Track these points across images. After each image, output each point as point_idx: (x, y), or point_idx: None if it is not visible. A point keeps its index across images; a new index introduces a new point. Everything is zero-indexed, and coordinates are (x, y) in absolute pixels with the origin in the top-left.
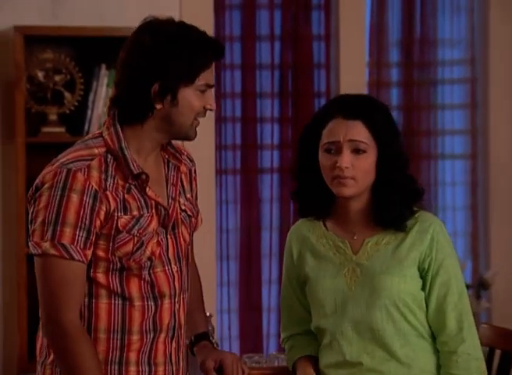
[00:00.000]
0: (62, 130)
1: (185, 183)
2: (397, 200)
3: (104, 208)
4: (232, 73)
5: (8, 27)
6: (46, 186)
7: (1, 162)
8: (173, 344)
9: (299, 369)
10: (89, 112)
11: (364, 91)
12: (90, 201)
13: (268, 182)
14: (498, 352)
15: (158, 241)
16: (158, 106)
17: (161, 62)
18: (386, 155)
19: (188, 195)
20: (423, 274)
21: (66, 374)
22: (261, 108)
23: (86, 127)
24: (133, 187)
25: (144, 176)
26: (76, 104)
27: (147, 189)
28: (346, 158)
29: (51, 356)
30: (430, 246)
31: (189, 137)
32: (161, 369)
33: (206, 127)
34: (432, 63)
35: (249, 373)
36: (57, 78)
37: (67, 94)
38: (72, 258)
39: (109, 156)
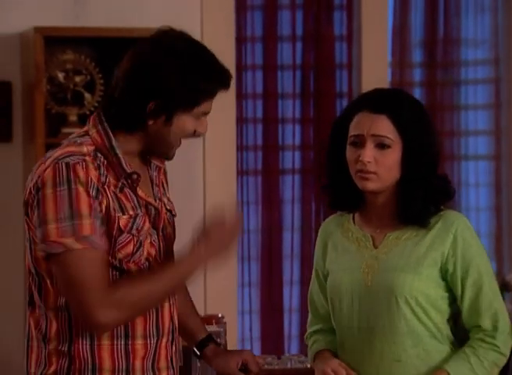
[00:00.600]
0: None
1: (164, 183)
2: (421, 196)
3: (104, 202)
4: (253, 74)
5: (29, 28)
6: (48, 183)
7: (22, 162)
8: (173, 348)
9: (318, 359)
10: None
11: None
12: (94, 192)
13: (290, 183)
14: None
15: (151, 242)
16: (150, 122)
17: (164, 84)
18: (412, 152)
19: (168, 195)
20: (448, 276)
21: (158, 302)
22: (282, 109)
23: None
24: (124, 186)
25: (135, 176)
26: (96, 104)
27: (138, 189)
28: (369, 153)
29: (53, 366)
30: (453, 246)
31: (168, 157)
32: (164, 374)
33: (227, 128)
34: (456, 63)
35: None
36: (77, 79)
37: (87, 95)
38: (97, 247)
39: (99, 155)
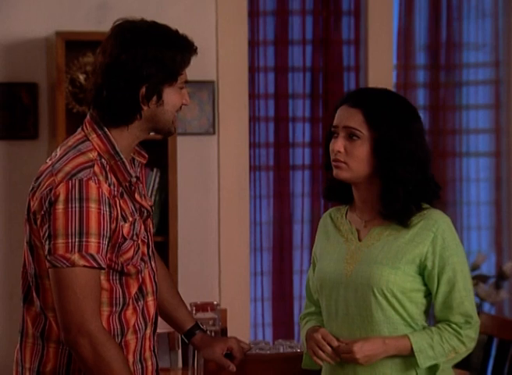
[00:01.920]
0: None
1: (143, 179)
2: (400, 195)
3: (115, 214)
4: (265, 75)
5: (53, 33)
6: (61, 199)
7: (47, 157)
8: (155, 337)
9: (309, 332)
10: None
11: None
12: (107, 208)
13: (300, 178)
14: (496, 341)
15: (142, 240)
16: (145, 108)
17: (145, 67)
18: (381, 146)
19: (146, 190)
20: (426, 272)
21: None
22: (293, 109)
23: None
24: (124, 191)
25: (134, 179)
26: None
27: (136, 193)
28: (339, 143)
29: (51, 363)
30: (433, 245)
31: (171, 133)
32: (149, 363)
33: (241, 126)
34: (458, 66)
35: (245, 359)
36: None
37: None
38: (100, 267)
39: (103, 161)
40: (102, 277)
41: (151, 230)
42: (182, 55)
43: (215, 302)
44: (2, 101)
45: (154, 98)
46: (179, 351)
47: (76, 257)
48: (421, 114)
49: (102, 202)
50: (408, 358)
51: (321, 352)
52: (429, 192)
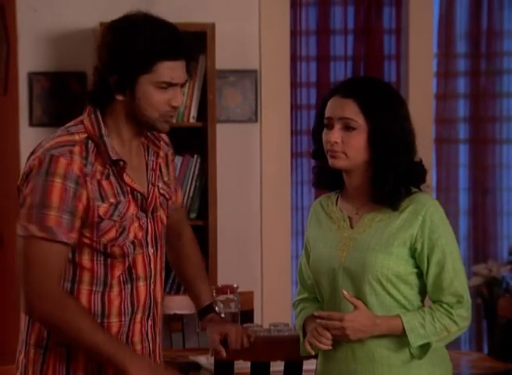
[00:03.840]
0: None
1: (163, 168)
2: (391, 179)
3: (85, 193)
4: (307, 64)
5: (98, 24)
6: (32, 172)
7: None
8: (149, 322)
9: (308, 323)
10: None
11: (432, 80)
12: (73, 185)
13: None
14: None
15: (139, 225)
16: (119, 97)
17: (118, 55)
18: (377, 135)
19: (166, 179)
20: (416, 254)
21: (70, 334)
22: None
23: None
24: (111, 173)
25: (121, 163)
26: None
27: (124, 175)
28: (336, 134)
29: (34, 335)
30: (422, 228)
31: (159, 130)
32: (138, 347)
33: (283, 114)
34: (498, 54)
35: (254, 340)
36: None
37: None
38: (57, 241)
39: (90, 142)
40: (85, 257)
41: (160, 219)
42: (157, 46)
43: (235, 285)
44: (52, 90)
45: (127, 91)
46: None
47: (33, 228)
48: (462, 102)
49: (68, 178)
50: (403, 337)
51: (317, 342)
52: (417, 176)
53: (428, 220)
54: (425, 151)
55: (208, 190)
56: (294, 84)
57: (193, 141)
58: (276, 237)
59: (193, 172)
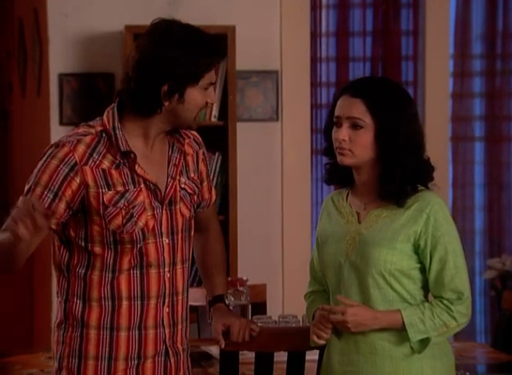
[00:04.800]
0: None
1: (190, 164)
2: (398, 176)
3: (77, 181)
4: (327, 65)
5: (122, 28)
6: (43, 157)
7: None
8: (166, 309)
9: (316, 317)
10: None
11: (449, 80)
12: (66, 169)
13: None
14: None
15: (153, 214)
16: (166, 103)
17: (170, 67)
18: (383, 134)
19: (192, 175)
20: (420, 250)
21: None
22: None
23: None
24: (122, 164)
25: (132, 155)
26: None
27: (136, 167)
28: (344, 132)
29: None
30: (426, 225)
31: (191, 128)
32: (151, 332)
33: (303, 113)
34: None
35: (259, 332)
36: None
37: None
38: None
39: (104, 135)
40: (97, 244)
41: (181, 212)
42: (206, 59)
43: (244, 278)
44: (81, 90)
45: (176, 96)
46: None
47: (20, 199)
48: (478, 101)
49: (65, 163)
50: (404, 331)
51: (322, 333)
52: (425, 174)
53: (432, 218)
54: (442, 148)
55: (229, 186)
56: (314, 84)
57: (214, 139)
58: (297, 231)
59: (215, 169)
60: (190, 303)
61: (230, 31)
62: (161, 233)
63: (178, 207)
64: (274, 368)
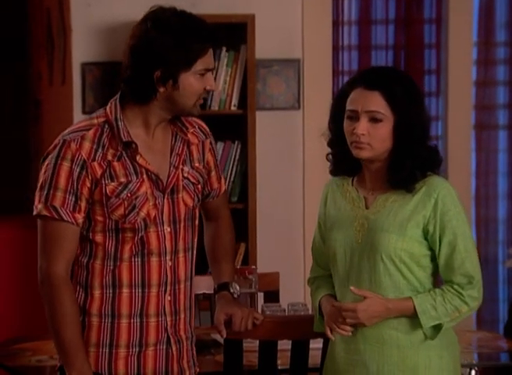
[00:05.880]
0: None
1: (195, 154)
2: (409, 164)
3: (89, 177)
4: (349, 54)
5: None
6: (48, 156)
7: None
8: (167, 298)
9: (324, 304)
10: None
11: (472, 68)
12: (78, 169)
13: None
14: None
15: (154, 204)
16: (162, 89)
17: (161, 52)
18: (402, 125)
19: (197, 164)
20: (429, 236)
21: (49, 319)
22: None
23: (208, 102)
24: (124, 154)
25: (133, 145)
26: None
27: (138, 157)
28: (363, 127)
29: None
30: (434, 210)
31: (192, 115)
32: (153, 320)
33: (324, 102)
34: None
35: (262, 320)
36: None
37: None
38: (62, 219)
39: (106, 126)
40: (98, 234)
41: (183, 201)
42: (198, 44)
43: (253, 266)
44: (103, 79)
45: (170, 82)
46: None
47: (41, 207)
48: (501, 89)
49: (75, 163)
50: (413, 319)
51: (338, 329)
52: (434, 162)
53: (440, 202)
54: (465, 137)
55: (248, 174)
56: (336, 73)
57: (234, 127)
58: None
59: (234, 157)
60: (203, 291)
61: (250, 20)
62: (163, 222)
63: (180, 196)
64: (278, 356)
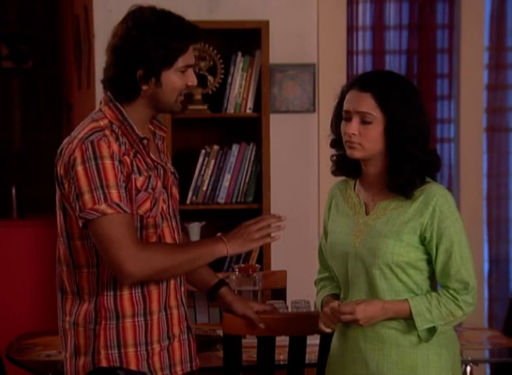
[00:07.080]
0: (204, 107)
1: (166, 151)
2: (406, 168)
3: (124, 172)
4: (363, 58)
5: None
6: (78, 162)
7: None
8: (182, 289)
9: (324, 304)
10: (227, 92)
11: (483, 72)
12: (117, 164)
13: None
14: None
15: (163, 199)
16: (145, 87)
17: (143, 52)
18: (393, 127)
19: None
20: (426, 242)
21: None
22: None
23: (224, 105)
24: (138, 151)
25: (145, 141)
26: (218, 85)
27: (150, 153)
28: (354, 127)
29: (82, 314)
30: (431, 217)
31: (174, 112)
32: (175, 312)
33: None
34: None
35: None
36: (202, 64)
37: (210, 78)
38: (126, 212)
39: (114, 126)
40: None
41: (174, 195)
42: (178, 42)
43: (257, 265)
44: None
45: (153, 80)
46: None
47: (103, 207)
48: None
49: (114, 158)
50: (411, 320)
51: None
52: (432, 165)
53: (437, 210)
54: (477, 139)
55: (263, 176)
56: (351, 77)
57: (249, 130)
58: None
59: (249, 159)
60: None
61: (264, 26)
62: (170, 216)
63: (173, 191)
64: (279, 352)
